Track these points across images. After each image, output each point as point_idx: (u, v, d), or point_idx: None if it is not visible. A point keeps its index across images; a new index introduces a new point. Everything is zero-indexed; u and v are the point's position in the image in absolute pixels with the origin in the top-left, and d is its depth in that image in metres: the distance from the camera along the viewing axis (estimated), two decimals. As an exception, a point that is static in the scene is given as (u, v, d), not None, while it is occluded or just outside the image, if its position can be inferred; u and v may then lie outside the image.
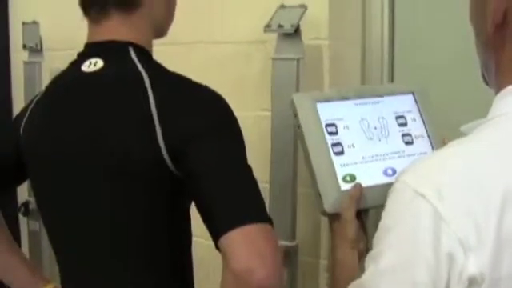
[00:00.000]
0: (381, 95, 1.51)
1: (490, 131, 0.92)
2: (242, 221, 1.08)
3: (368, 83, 2.05)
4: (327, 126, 1.39)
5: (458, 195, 0.83)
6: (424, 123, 1.51)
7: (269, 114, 1.90)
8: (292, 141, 1.84)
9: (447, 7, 2.00)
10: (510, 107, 0.93)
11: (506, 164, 0.86)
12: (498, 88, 0.97)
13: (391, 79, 2.08)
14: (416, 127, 1.50)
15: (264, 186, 1.88)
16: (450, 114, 1.76)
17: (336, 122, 1.41)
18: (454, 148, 0.92)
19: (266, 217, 1.12)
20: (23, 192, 2.49)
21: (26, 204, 2.53)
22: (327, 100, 1.43)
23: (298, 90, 1.83)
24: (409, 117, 1.50)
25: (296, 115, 1.38)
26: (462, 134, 0.98)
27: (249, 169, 1.16)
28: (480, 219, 0.81)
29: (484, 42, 1.00)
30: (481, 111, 0.99)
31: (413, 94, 1.55)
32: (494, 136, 0.90)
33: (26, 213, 2.55)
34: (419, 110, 1.52)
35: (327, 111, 1.41)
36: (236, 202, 1.11)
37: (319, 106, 1.40)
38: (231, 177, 1.13)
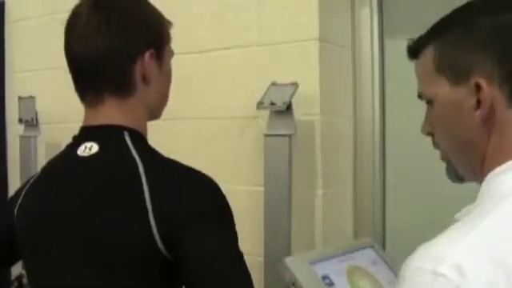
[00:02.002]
0: (351, 251, 1.69)
1: (488, 212, 0.92)
2: None
3: (360, 159, 2.09)
4: (323, 277, 1.52)
5: (478, 269, 0.83)
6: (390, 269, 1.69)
7: (261, 188, 1.92)
8: (286, 215, 1.86)
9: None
10: (501, 188, 0.95)
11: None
12: (482, 176, 0.99)
13: (383, 152, 2.11)
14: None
15: (258, 260, 1.89)
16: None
17: (329, 274, 1.54)
18: (460, 229, 0.92)
19: None
20: (17, 266, 2.47)
21: (19, 278, 2.51)
22: (318, 260, 1.57)
23: (290, 165, 1.86)
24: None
25: (292, 276, 1.49)
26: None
27: (240, 255, 1.17)
28: None
29: (463, 142, 1.02)
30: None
31: (373, 247, 1.75)
32: (493, 216, 0.91)
33: (20, 287, 2.53)
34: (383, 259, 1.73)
35: (320, 269, 1.55)
36: None
37: (313, 266, 1.54)
38: (222, 264, 1.14)
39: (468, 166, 1.05)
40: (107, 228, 1.18)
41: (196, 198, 1.19)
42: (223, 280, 1.12)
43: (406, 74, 2.09)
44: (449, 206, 1.82)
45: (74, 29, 1.29)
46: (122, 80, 1.27)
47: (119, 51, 1.26)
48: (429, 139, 2.05)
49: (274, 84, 1.92)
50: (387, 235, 2.15)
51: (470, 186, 1.06)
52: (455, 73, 0.99)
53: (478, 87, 0.96)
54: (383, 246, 2.15)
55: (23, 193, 1.36)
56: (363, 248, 1.72)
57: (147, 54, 1.28)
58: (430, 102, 1.07)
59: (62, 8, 1.35)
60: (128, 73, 1.27)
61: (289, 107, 1.86)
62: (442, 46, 1.02)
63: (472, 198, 1.00)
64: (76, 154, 1.27)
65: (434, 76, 1.03)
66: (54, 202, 1.28)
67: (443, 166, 1.98)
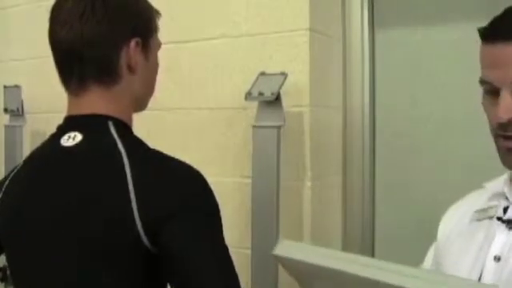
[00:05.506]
0: None
1: None
2: None
3: (350, 151, 2.08)
4: None
5: None
6: None
7: (249, 180, 1.90)
8: (274, 207, 1.84)
9: (427, 70, 2.04)
10: None
11: None
12: None
13: (373, 144, 2.11)
14: None
15: (245, 252, 1.88)
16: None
17: None
18: None
19: None
20: (1, 258, 2.45)
21: (3, 269, 2.49)
22: None
23: (278, 157, 1.84)
24: None
25: None
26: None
27: (225, 249, 1.15)
28: None
29: None
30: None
31: None
32: None
33: (4, 278, 2.50)
34: None
35: None
36: (210, 283, 1.10)
37: None
38: (206, 258, 1.12)
39: None
40: (90, 217, 1.16)
41: (181, 190, 1.16)
42: (207, 274, 1.11)
43: (396, 65, 2.11)
44: (437, 197, 1.82)
45: (58, 15, 1.27)
46: (106, 68, 1.25)
47: (104, 38, 1.23)
48: (415, 133, 2.05)
49: (262, 74, 1.89)
50: (376, 228, 2.14)
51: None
52: None
53: None
54: (373, 240, 2.15)
55: (5, 185, 1.33)
56: None
57: (133, 43, 1.26)
58: None
59: (49, -5, 1.32)
60: (112, 61, 1.25)
61: (277, 98, 1.84)
62: None
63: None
64: (59, 144, 1.25)
65: None
66: (36, 193, 1.26)
67: (432, 157, 1.98)
